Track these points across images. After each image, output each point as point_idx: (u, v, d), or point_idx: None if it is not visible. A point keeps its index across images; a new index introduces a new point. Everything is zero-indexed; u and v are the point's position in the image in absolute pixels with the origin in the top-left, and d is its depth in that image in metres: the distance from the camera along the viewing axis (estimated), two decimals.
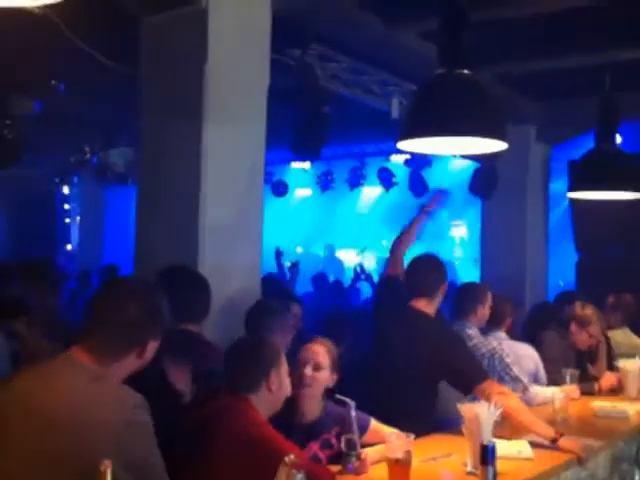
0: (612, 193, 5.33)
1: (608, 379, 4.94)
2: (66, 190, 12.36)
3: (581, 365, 4.93)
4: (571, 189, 5.50)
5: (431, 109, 3.18)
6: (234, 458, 2.51)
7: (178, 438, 2.65)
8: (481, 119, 3.14)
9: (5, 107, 6.92)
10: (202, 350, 3.38)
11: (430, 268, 3.93)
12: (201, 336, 3.54)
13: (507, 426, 3.38)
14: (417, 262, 3.98)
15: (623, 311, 5.81)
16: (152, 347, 2.22)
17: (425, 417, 3.63)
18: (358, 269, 9.12)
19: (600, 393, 4.81)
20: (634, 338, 5.67)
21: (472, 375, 3.52)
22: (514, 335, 4.90)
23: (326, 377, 3.10)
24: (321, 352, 3.10)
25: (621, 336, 5.64)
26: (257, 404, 2.72)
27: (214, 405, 2.74)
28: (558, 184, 8.32)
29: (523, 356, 4.61)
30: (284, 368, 2.84)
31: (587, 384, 4.76)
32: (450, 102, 3.14)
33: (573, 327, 4.95)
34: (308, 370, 3.02)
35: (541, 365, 4.68)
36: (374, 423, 3.20)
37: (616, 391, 4.87)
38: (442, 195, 4.53)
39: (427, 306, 3.84)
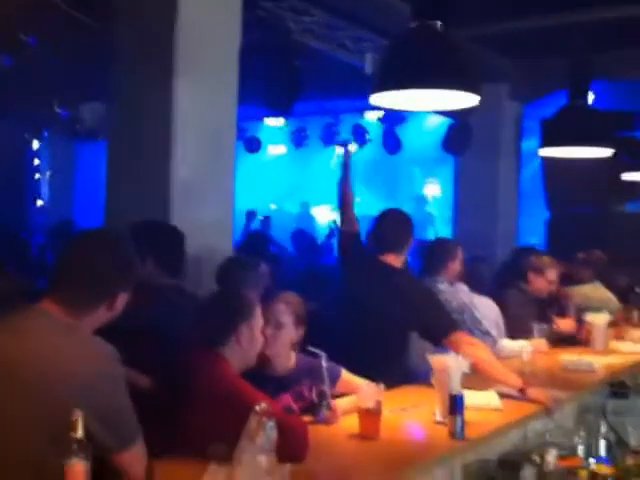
0: (583, 150, 5.37)
1: (566, 322, 5.05)
2: (36, 145, 12.17)
3: (544, 318, 5.01)
4: (543, 146, 5.53)
5: (403, 62, 3.15)
6: (207, 411, 2.53)
7: (152, 393, 2.67)
8: (453, 72, 3.12)
9: None
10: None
11: (398, 223, 3.97)
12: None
13: (476, 377, 3.43)
14: (385, 217, 4.02)
15: (593, 266, 5.90)
16: (122, 299, 2.21)
17: (395, 368, 3.68)
18: (333, 226, 9.12)
19: (559, 335, 4.89)
20: (604, 292, 5.76)
21: (442, 326, 3.57)
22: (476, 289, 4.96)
23: (289, 334, 3.11)
24: (282, 310, 3.11)
25: (591, 290, 5.74)
26: (229, 357, 2.73)
27: (186, 360, 2.76)
28: (531, 142, 8.36)
29: (485, 307, 4.67)
30: (256, 322, 2.84)
31: (546, 327, 4.81)
32: (422, 55, 3.13)
33: (531, 275, 5.06)
34: (268, 330, 3.01)
35: (501, 319, 4.74)
36: (345, 374, 3.24)
37: (583, 343, 4.96)
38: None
39: (395, 260, 3.88)
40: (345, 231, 4.16)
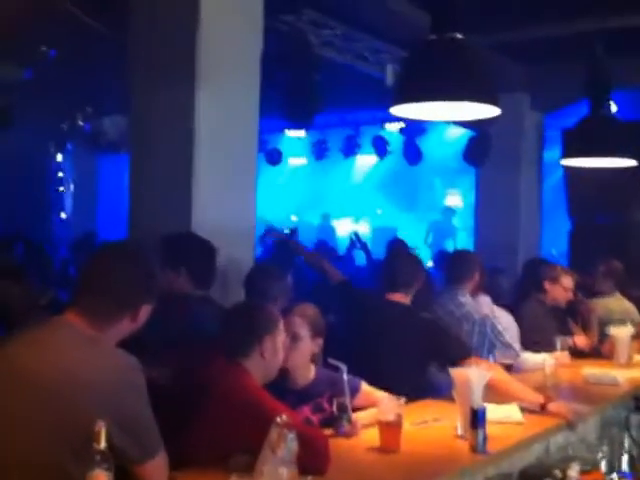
0: (605, 160, 5.34)
1: (581, 339, 5.03)
2: (59, 158, 12.30)
3: (565, 330, 4.98)
4: (565, 156, 5.50)
5: (423, 74, 3.16)
6: (227, 422, 2.54)
7: (172, 401, 2.67)
8: (472, 84, 3.12)
9: None
10: None
11: (410, 263, 4.00)
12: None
13: (496, 393, 3.40)
14: (396, 256, 4.09)
15: (613, 277, 5.85)
16: (145, 310, 2.22)
17: (415, 382, 3.66)
18: (354, 237, 9.12)
19: (575, 350, 4.86)
20: (626, 304, 5.70)
21: (457, 354, 3.52)
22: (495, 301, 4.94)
23: (306, 346, 3.11)
24: (297, 322, 3.11)
25: (613, 303, 5.68)
26: (251, 369, 2.74)
27: (208, 369, 2.76)
28: (552, 152, 8.32)
29: (505, 320, 4.64)
30: (280, 336, 2.85)
31: (568, 339, 4.78)
32: (442, 67, 3.13)
33: (547, 285, 5.05)
34: (285, 343, 2.99)
35: (517, 332, 4.71)
36: (365, 386, 3.23)
37: (605, 356, 4.91)
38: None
39: (404, 298, 3.90)
40: (337, 283, 4.17)
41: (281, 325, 2.87)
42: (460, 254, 5.13)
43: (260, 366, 2.76)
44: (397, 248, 4.10)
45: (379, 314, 3.88)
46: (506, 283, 6.50)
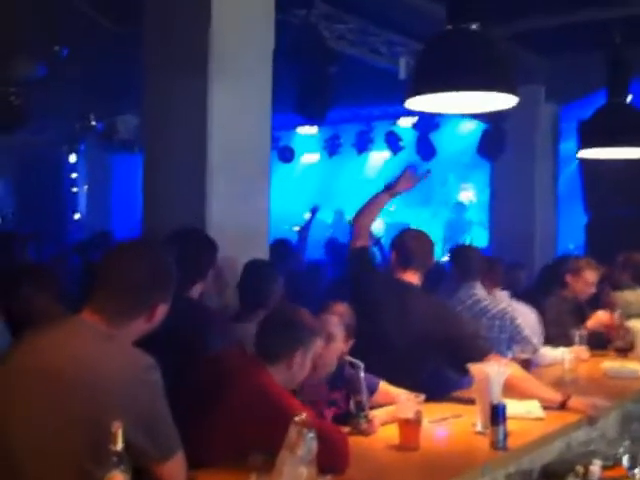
0: (622, 150, 5.26)
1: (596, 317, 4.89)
2: (73, 159, 12.33)
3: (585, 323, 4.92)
4: (581, 147, 5.43)
5: (439, 64, 3.12)
6: (246, 419, 2.51)
7: (190, 393, 2.66)
8: (490, 73, 3.08)
9: (9, 70, 6.90)
10: None
11: (420, 240, 3.87)
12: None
13: (515, 392, 3.35)
14: (407, 234, 3.92)
15: (633, 270, 5.78)
16: (161, 310, 2.21)
17: (433, 381, 3.57)
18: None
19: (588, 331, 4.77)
20: None
21: (476, 351, 3.38)
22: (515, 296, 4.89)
23: (338, 347, 3.05)
24: (333, 322, 3.05)
25: (632, 296, 5.62)
26: (273, 374, 2.67)
27: (229, 363, 2.72)
28: (568, 144, 8.24)
29: (524, 315, 4.58)
30: (313, 350, 2.75)
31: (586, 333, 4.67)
32: (458, 57, 3.08)
33: (569, 278, 4.98)
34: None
35: (539, 327, 4.64)
36: (382, 384, 3.20)
37: (626, 350, 4.85)
38: (412, 176, 4.14)
39: (414, 277, 3.75)
40: (357, 247, 3.91)
41: (318, 340, 2.79)
42: (469, 249, 5.06)
43: (283, 375, 2.69)
44: (408, 229, 3.94)
45: (388, 291, 3.73)
46: (525, 278, 6.46)
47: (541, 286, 5.37)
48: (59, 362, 2.04)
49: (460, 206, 12.74)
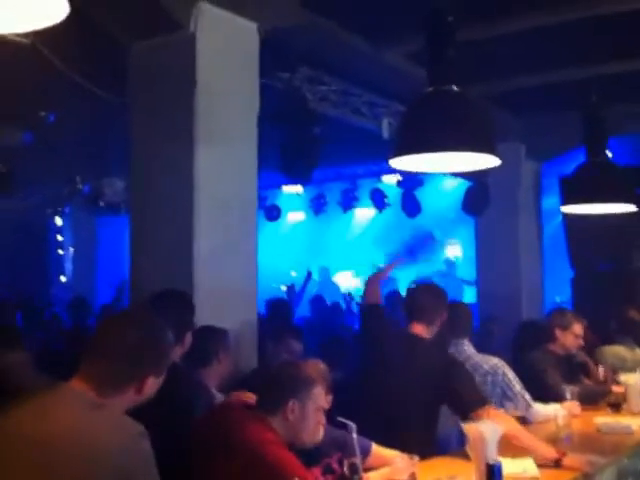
0: (604, 206, 5.33)
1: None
2: (59, 221, 12.33)
3: (575, 379, 4.90)
4: (564, 203, 5.50)
5: (422, 126, 3.18)
6: (243, 473, 2.48)
7: (190, 447, 2.62)
8: (472, 135, 3.14)
9: None
10: None
11: (432, 294, 3.93)
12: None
13: (510, 445, 3.33)
14: (419, 287, 4.03)
15: (625, 324, 5.81)
16: (152, 383, 2.18)
17: (427, 439, 3.57)
18: (348, 297, 9.14)
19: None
20: (638, 351, 5.65)
21: (471, 400, 3.44)
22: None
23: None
24: None
25: (625, 351, 5.63)
26: (276, 426, 2.68)
27: (229, 418, 2.71)
28: (550, 200, 8.34)
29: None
30: (312, 401, 2.75)
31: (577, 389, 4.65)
32: (440, 119, 3.15)
33: (557, 332, 4.97)
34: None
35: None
36: (375, 447, 3.16)
37: (618, 406, 4.81)
38: (401, 260, 4.59)
39: (425, 331, 3.81)
40: (370, 304, 4.08)
41: (316, 390, 2.77)
42: (458, 306, 5.07)
43: (284, 427, 2.69)
44: (422, 281, 4.03)
45: (398, 343, 3.79)
46: (498, 331, 6.49)
47: (523, 341, 5.37)
48: (48, 431, 2.00)
49: (449, 262, 12.79)
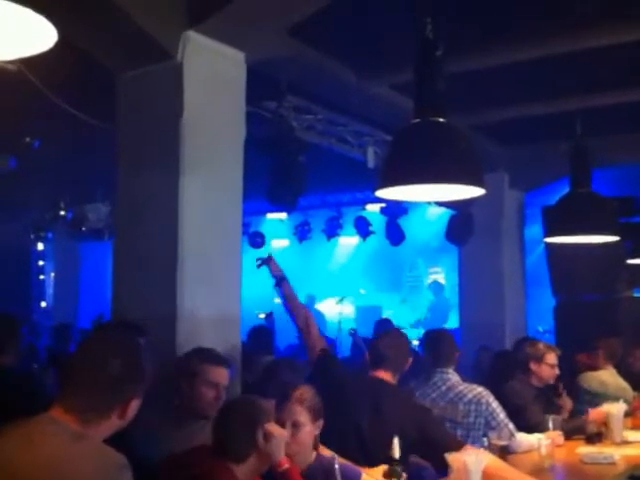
0: (588, 237, 5.37)
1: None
2: (41, 246, 12.24)
3: (553, 409, 4.89)
4: (547, 234, 5.53)
5: (408, 157, 3.20)
6: None
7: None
8: (457, 166, 3.16)
9: None
10: None
11: (399, 343, 3.96)
12: None
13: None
14: (386, 335, 4.07)
15: (608, 353, 5.83)
16: (134, 405, 2.16)
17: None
18: (352, 332, 9.01)
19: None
20: (620, 380, 5.67)
21: (447, 446, 3.33)
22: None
23: (308, 431, 3.05)
24: (297, 410, 3.04)
25: (608, 377, 5.66)
26: (240, 473, 2.65)
27: (197, 467, 2.66)
28: (533, 229, 8.40)
29: None
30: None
31: (559, 418, 4.64)
32: (426, 150, 3.17)
33: (532, 365, 4.96)
34: (287, 432, 2.92)
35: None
36: (365, 476, 3.13)
37: (600, 436, 4.81)
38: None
39: (392, 377, 3.83)
40: (319, 353, 3.99)
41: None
42: (443, 334, 5.08)
43: (253, 468, 2.70)
44: (389, 329, 4.06)
45: (361, 389, 3.76)
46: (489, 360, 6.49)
47: (498, 371, 5.38)
48: (33, 462, 1.98)
49: (438, 286, 12.82)
